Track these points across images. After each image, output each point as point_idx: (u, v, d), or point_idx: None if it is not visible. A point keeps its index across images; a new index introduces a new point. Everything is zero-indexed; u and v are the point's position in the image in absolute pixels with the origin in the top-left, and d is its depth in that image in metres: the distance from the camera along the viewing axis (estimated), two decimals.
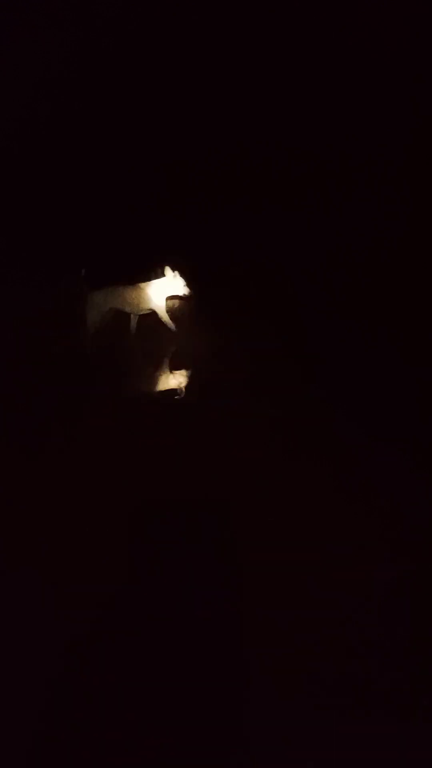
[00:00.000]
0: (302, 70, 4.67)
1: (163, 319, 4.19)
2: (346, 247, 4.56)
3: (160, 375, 3.97)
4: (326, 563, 2.14)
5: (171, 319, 4.23)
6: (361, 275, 4.49)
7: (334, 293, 4.43)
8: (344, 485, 2.61)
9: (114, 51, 4.57)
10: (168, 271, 4.11)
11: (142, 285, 4.17)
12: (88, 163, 4.80)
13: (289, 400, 3.42)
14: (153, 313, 4.22)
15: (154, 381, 3.92)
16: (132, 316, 4.21)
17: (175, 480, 2.70)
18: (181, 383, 3.78)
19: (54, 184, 4.81)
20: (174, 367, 4.02)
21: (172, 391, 3.70)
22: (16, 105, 4.61)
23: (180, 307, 4.35)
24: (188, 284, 4.14)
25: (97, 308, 4.14)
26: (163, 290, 4.15)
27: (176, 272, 4.10)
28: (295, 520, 2.39)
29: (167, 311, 4.23)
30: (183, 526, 2.40)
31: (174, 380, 3.85)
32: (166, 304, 4.20)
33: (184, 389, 3.67)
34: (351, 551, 2.22)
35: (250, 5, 4.57)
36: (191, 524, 2.40)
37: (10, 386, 3.56)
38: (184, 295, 4.16)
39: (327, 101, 4.75)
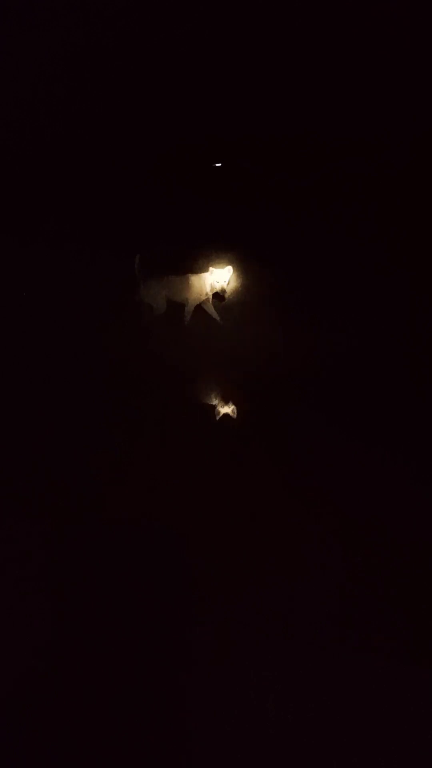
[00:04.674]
0: (302, 69, 4.67)
1: (209, 312, 4.22)
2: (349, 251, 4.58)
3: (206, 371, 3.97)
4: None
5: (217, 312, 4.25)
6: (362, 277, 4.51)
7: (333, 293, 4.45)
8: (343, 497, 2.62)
9: (114, 51, 4.57)
10: (215, 264, 4.13)
11: (192, 276, 4.17)
12: (89, 161, 4.82)
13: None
14: (201, 306, 4.23)
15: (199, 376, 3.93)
16: (182, 307, 4.21)
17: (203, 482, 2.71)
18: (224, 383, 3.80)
19: (54, 182, 4.83)
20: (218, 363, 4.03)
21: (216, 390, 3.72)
22: (16, 105, 4.61)
23: (227, 301, 4.37)
24: (236, 278, 4.17)
25: (151, 297, 4.14)
26: (211, 282, 4.14)
27: (225, 266, 4.10)
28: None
29: (214, 304, 4.25)
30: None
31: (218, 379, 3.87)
32: (213, 297, 4.20)
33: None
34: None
35: (250, 6, 4.56)
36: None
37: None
38: (231, 288, 4.18)
39: (328, 101, 4.75)
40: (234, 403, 3.52)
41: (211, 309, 4.18)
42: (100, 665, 1.82)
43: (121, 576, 2.16)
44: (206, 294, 4.17)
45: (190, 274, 4.22)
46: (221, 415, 3.38)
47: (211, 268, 4.10)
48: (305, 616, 1.97)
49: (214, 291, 4.12)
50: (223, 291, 4.13)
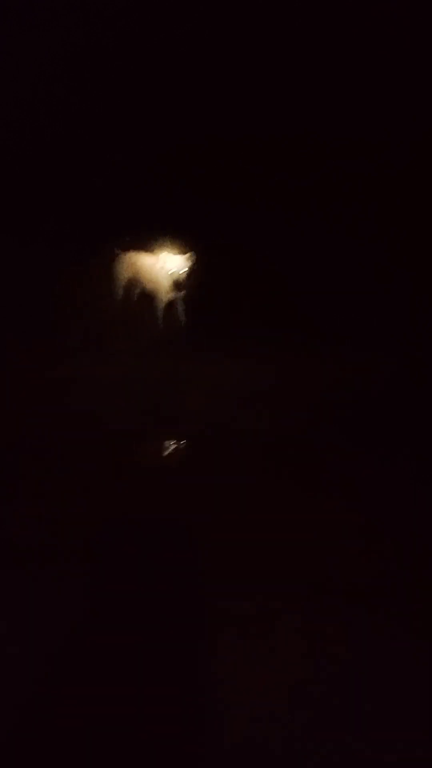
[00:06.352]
0: (302, 69, 4.68)
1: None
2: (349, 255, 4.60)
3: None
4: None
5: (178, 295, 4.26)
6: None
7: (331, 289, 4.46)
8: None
9: (114, 51, 4.57)
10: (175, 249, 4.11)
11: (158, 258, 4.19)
12: (89, 161, 4.83)
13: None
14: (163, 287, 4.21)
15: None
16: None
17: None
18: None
19: (54, 182, 4.84)
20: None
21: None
22: (16, 105, 4.62)
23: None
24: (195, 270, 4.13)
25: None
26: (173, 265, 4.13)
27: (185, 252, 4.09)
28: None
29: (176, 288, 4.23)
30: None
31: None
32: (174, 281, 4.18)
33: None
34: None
35: (250, 6, 4.57)
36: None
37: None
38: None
39: (328, 101, 4.76)
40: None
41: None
42: (106, 666, 1.82)
43: (128, 577, 2.17)
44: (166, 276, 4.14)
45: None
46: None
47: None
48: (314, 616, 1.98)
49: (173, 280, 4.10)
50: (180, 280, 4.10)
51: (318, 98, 4.83)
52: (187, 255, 4.09)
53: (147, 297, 4.43)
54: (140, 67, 4.81)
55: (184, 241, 4.35)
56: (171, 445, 3.08)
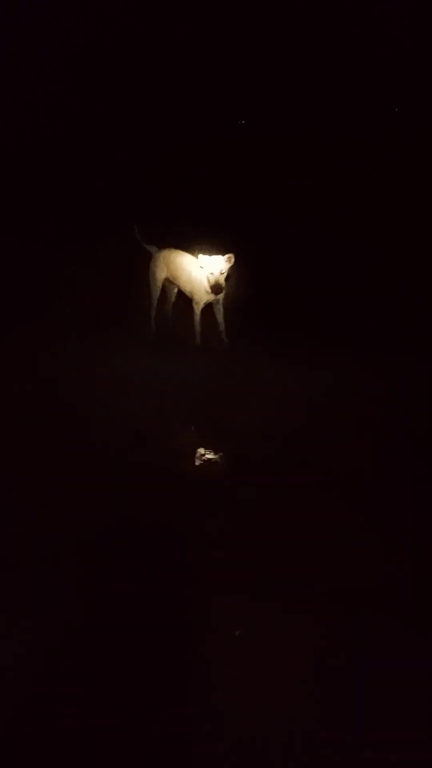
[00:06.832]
0: (302, 70, 4.69)
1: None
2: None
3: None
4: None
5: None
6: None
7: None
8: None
9: (114, 51, 4.58)
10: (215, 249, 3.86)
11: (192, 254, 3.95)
12: (89, 161, 4.83)
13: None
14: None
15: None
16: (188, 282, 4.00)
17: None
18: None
19: (54, 182, 4.84)
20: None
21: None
22: (16, 105, 4.62)
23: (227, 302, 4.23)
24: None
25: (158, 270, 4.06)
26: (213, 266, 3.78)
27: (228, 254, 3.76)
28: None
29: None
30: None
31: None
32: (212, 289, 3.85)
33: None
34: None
35: (250, 6, 4.57)
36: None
37: None
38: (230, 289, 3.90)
39: (328, 101, 4.76)
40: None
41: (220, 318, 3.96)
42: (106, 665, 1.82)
43: (128, 577, 2.17)
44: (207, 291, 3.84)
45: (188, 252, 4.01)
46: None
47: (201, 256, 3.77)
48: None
49: (212, 283, 3.74)
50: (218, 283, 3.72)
51: (318, 98, 4.84)
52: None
53: (144, 297, 4.41)
54: (140, 67, 4.82)
55: (183, 241, 4.35)
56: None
